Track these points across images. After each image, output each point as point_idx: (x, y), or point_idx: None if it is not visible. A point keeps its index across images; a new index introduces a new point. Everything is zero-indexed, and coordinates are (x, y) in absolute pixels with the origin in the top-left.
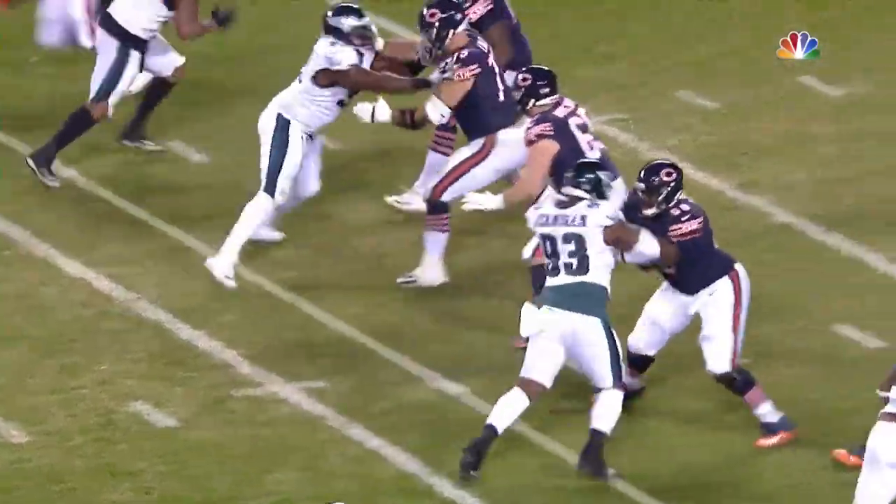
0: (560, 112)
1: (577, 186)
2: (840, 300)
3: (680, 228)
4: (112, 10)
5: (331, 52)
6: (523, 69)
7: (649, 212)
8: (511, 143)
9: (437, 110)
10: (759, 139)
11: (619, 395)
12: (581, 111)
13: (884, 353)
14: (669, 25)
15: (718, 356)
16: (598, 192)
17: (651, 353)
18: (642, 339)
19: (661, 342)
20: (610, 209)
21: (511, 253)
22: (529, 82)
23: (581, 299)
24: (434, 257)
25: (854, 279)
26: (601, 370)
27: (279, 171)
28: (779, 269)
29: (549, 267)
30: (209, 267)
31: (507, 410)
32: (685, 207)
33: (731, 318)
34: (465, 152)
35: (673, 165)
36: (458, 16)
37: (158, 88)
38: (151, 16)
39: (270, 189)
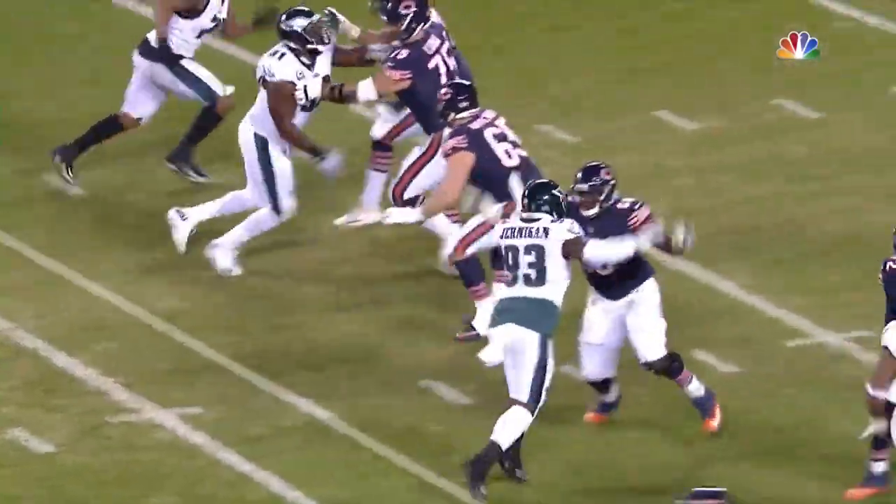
0: (477, 124)
1: (538, 209)
2: (695, 327)
3: (637, 217)
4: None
5: (268, 63)
6: (446, 83)
7: (591, 212)
8: None
9: (366, 93)
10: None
11: (526, 416)
12: (500, 122)
13: (738, 377)
14: (528, 61)
15: (652, 344)
16: (558, 211)
17: (609, 374)
18: (594, 367)
19: (613, 360)
20: (572, 224)
21: (366, 285)
22: (449, 96)
23: (528, 314)
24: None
25: (708, 306)
26: (522, 383)
27: (276, 190)
28: None
29: (509, 278)
30: (211, 259)
31: (509, 428)
32: (628, 199)
33: (658, 310)
34: (416, 152)
35: (607, 165)
36: (429, 13)
37: (210, 117)
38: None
39: (276, 208)
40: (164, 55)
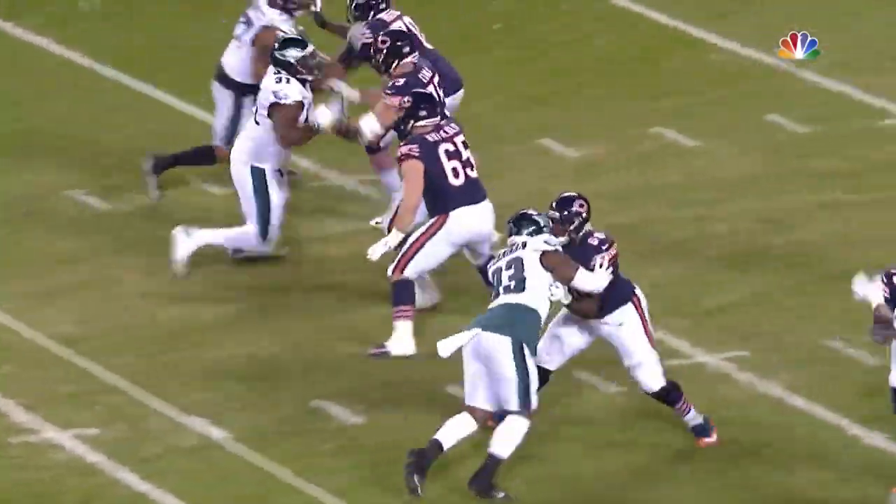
0: (433, 136)
1: (519, 234)
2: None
3: (605, 257)
4: (223, 62)
5: (277, 88)
6: (412, 92)
7: (560, 240)
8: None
9: (369, 126)
10: (504, 197)
11: (522, 423)
12: (458, 139)
13: (621, 397)
14: None
15: (651, 376)
16: (539, 233)
17: (550, 367)
18: (542, 350)
19: (560, 358)
20: (549, 237)
21: (262, 306)
22: (410, 104)
23: (500, 319)
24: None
25: None
26: (505, 392)
27: (269, 221)
28: None
29: (492, 296)
30: (174, 240)
31: (453, 431)
32: (600, 236)
33: (645, 338)
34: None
35: (583, 197)
36: (407, 48)
37: (207, 156)
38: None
39: (263, 235)
40: (241, 87)
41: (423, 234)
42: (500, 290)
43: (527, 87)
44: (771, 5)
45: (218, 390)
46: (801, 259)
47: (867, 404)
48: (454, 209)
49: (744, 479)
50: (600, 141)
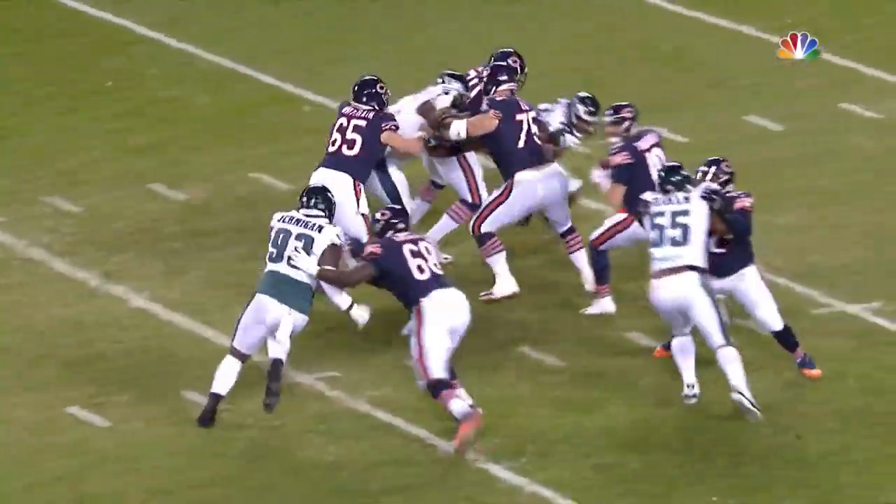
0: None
1: (315, 207)
2: (187, 370)
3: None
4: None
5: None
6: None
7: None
8: (525, 183)
9: (457, 129)
10: (109, 238)
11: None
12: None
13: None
14: (36, 139)
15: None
16: (330, 214)
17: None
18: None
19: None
20: (340, 230)
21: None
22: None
23: (284, 287)
24: (501, 272)
25: (195, 353)
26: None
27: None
28: None
29: (272, 255)
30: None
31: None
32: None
33: (416, 345)
34: (495, 192)
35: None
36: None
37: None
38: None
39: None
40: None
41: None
42: (284, 255)
43: (138, 137)
44: (355, 64)
45: None
46: None
47: None
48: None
49: None
50: (203, 185)
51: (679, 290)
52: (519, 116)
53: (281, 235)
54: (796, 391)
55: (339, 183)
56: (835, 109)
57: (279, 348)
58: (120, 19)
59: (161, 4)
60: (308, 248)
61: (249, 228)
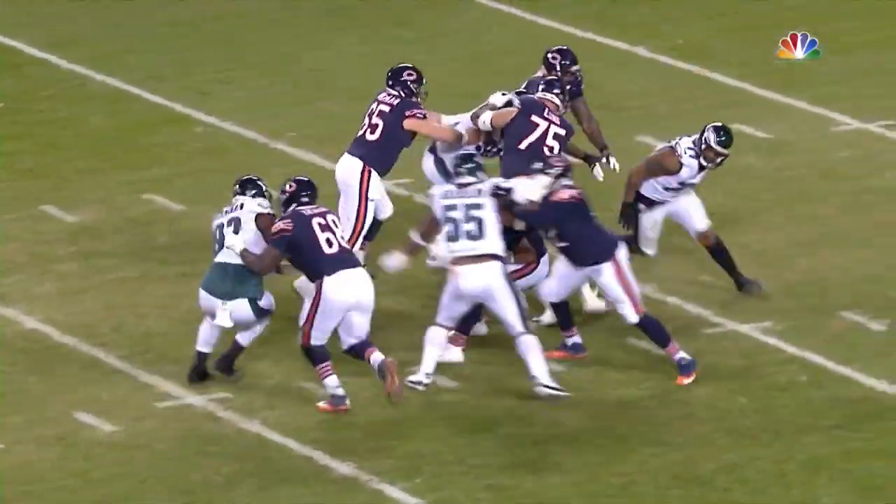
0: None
1: (243, 195)
2: (77, 389)
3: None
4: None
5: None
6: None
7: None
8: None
9: (483, 119)
10: (5, 260)
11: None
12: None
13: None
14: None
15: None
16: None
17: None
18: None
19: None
20: (263, 201)
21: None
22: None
23: (220, 276)
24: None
25: None
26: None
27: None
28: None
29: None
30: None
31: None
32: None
33: (307, 311)
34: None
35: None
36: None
37: None
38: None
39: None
40: None
41: None
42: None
43: (26, 160)
44: (242, 85)
45: None
46: None
47: None
48: None
49: None
50: (96, 207)
51: (482, 279)
52: (535, 118)
53: (218, 231)
54: (686, 409)
55: (350, 167)
56: None
57: (247, 334)
58: (11, 40)
59: (53, 25)
60: (237, 228)
61: (142, 250)
